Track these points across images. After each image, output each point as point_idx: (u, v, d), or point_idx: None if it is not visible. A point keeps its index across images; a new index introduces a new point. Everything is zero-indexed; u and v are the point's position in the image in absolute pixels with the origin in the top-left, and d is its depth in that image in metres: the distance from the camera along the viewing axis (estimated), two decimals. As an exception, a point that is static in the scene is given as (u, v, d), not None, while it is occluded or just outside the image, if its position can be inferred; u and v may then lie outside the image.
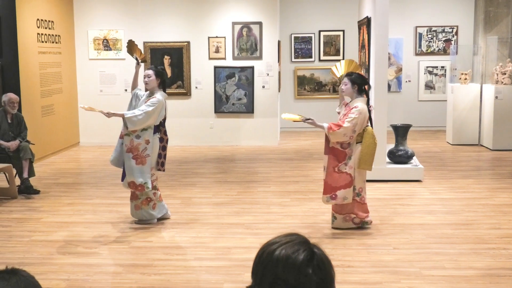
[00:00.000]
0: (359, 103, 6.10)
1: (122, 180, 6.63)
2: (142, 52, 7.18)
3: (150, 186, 6.47)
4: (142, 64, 6.93)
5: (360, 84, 6.16)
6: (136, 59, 6.86)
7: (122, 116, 6.27)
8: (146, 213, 6.56)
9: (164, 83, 6.61)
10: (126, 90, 11.91)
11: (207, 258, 5.52)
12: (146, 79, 6.49)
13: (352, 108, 6.05)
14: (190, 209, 7.28)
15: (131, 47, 6.95)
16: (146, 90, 6.70)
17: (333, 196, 6.11)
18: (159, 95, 6.44)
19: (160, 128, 6.61)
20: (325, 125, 5.94)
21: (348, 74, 6.22)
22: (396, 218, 6.76)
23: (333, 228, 6.31)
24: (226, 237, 6.12)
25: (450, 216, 6.82)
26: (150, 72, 6.50)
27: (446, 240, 5.97)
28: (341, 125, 5.93)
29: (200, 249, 5.76)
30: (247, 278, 1.71)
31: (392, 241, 5.94)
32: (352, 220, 6.27)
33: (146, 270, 5.21)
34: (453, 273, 5.07)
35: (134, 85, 6.80)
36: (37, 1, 10.50)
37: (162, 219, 6.72)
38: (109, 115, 6.31)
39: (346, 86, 6.13)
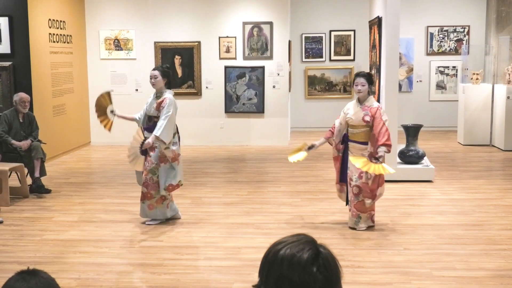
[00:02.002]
0: (376, 103, 6.26)
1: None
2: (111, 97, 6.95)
3: (183, 182, 6.65)
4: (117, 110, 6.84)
5: (372, 83, 6.31)
6: (112, 111, 6.75)
7: (156, 138, 6.27)
8: (160, 212, 6.57)
9: (170, 82, 6.65)
10: (137, 90, 11.96)
11: (217, 257, 5.53)
12: (153, 80, 6.49)
13: (378, 109, 6.12)
14: (200, 208, 7.29)
15: (107, 99, 6.81)
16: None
17: (373, 195, 6.23)
18: (168, 95, 6.48)
19: None
20: (383, 149, 6.00)
21: (363, 75, 6.20)
22: (407, 218, 6.74)
23: (352, 228, 6.26)
24: (236, 237, 6.12)
25: (461, 217, 6.79)
26: (157, 72, 6.50)
27: (457, 241, 5.94)
28: (388, 132, 6.04)
29: (210, 249, 5.77)
30: (257, 278, 1.72)
31: (402, 241, 5.92)
32: (372, 217, 6.31)
33: (156, 269, 5.22)
34: (464, 274, 5.04)
35: (132, 118, 6.77)
36: (49, 1, 10.55)
37: (172, 219, 6.73)
38: (146, 144, 6.28)
39: (364, 86, 6.13)
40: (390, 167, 5.99)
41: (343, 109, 6.38)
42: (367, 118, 6.09)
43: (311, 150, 6.31)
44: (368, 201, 6.21)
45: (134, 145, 6.38)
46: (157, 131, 6.27)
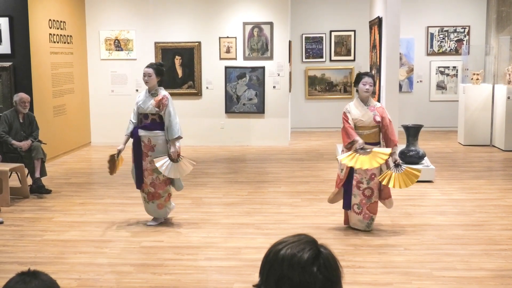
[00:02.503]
0: (377, 102, 6.28)
1: (139, 186, 6.55)
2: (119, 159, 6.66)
3: None
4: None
5: (375, 85, 6.30)
6: (118, 155, 6.58)
7: (177, 139, 6.37)
8: (168, 209, 6.60)
9: (162, 80, 6.60)
10: (137, 90, 11.94)
11: (217, 258, 5.53)
12: (146, 78, 6.44)
13: (383, 108, 6.21)
14: (200, 209, 7.29)
15: (114, 161, 6.64)
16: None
17: (390, 194, 6.29)
18: (164, 92, 6.51)
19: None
20: (396, 149, 6.10)
21: (371, 75, 6.17)
22: (407, 218, 6.73)
23: (362, 231, 6.20)
24: (236, 237, 6.12)
25: (462, 217, 6.79)
26: (151, 70, 6.44)
27: (457, 241, 5.94)
28: (394, 131, 6.12)
29: (211, 249, 5.77)
30: (258, 278, 1.72)
31: (403, 242, 5.91)
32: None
33: (156, 270, 5.22)
34: (464, 274, 5.04)
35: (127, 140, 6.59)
36: (49, 1, 10.55)
37: (170, 218, 6.72)
38: (174, 154, 6.33)
39: (371, 86, 6.12)
40: (414, 170, 6.05)
41: (345, 109, 6.20)
42: (378, 118, 6.07)
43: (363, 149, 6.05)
44: (392, 201, 6.25)
45: (161, 162, 6.31)
46: (173, 134, 6.33)
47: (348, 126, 6.07)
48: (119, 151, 6.57)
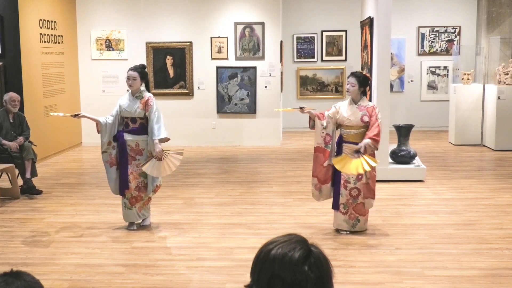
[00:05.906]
0: (369, 102, 6.19)
1: (122, 193, 6.40)
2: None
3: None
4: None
5: (365, 86, 6.16)
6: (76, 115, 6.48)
7: (164, 140, 6.20)
8: (146, 212, 6.52)
9: (147, 83, 6.50)
10: (128, 90, 11.89)
11: (209, 258, 5.52)
12: (130, 81, 6.30)
13: (373, 108, 6.06)
14: (192, 209, 7.28)
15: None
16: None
17: (374, 194, 6.20)
18: (149, 93, 6.40)
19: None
20: (368, 141, 5.88)
21: (356, 75, 6.12)
22: (399, 218, 6.75)
23: (352, 232, 6.15)
24: (228, 237, 6.12)
25: (453, 216, 6.81)
26: (135, 74, 6.31)
27: (448, 240, 5.96)
28: (379, 129, 5.93)
29: (203, 249, 5.76)
30: (249, 279, 1.72)
31: (394, 241, 5.93)
32: (367, 221, 6.27)
33: (148, 270, 5.21)
34: (456, 273, 5.06)
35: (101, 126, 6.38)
36: (39, 1, 10.51)
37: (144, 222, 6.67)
38: (159, 153, 6.13)
39: (353, 87, 6.06)
40: (372, 159, 5.84)
41: (334, 104, 6.27)
42: (366, 119, 6.01)
43: (302, 110, 6.21)
44: (371, 201, 6.16)
45: (147, 165, 6.19)
46: (159, 135, 6.16)
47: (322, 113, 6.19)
48: (78, 115, 6.45)
